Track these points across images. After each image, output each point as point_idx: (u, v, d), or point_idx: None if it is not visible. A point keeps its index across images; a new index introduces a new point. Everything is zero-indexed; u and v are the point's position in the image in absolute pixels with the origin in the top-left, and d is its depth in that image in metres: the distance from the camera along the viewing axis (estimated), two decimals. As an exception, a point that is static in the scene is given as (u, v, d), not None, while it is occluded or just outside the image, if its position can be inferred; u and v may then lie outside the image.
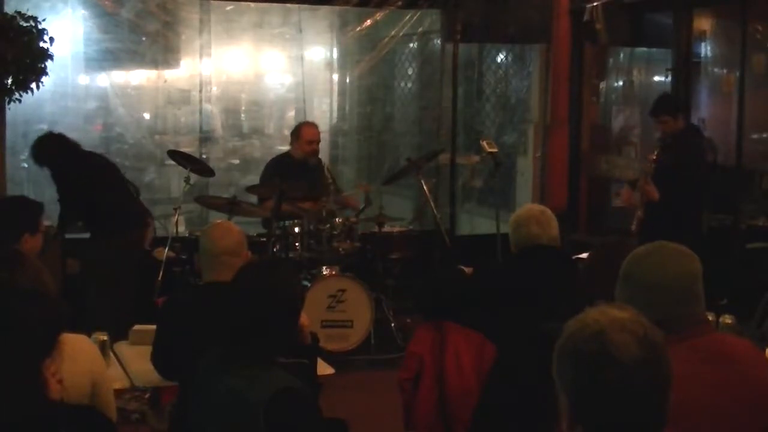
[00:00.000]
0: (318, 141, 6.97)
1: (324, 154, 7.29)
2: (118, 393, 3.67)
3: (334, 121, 9.23)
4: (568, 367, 1.75)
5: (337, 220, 6.55)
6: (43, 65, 6.17)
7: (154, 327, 3.67)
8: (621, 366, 1.70)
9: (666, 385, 1.75)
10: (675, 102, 6.37)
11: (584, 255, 5.07)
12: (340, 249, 6.52)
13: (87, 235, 6.02)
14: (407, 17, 8.19)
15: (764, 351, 3.13)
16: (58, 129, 7.46)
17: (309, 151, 6.88)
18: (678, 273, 2.41)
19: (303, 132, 6.95)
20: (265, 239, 6.40)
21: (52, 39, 6.22)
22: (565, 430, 1.77)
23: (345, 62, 9.18)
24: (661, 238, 2.53)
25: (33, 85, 6.15)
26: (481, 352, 3.81)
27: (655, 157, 6.03)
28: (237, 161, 8.65)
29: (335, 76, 9.25)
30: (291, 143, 7.05)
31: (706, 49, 8.39)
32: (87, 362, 2.80)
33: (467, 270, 4.09)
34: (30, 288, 2.48)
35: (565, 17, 8.09)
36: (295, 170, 6.77)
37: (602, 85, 8.67)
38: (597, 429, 1.74)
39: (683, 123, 6.24)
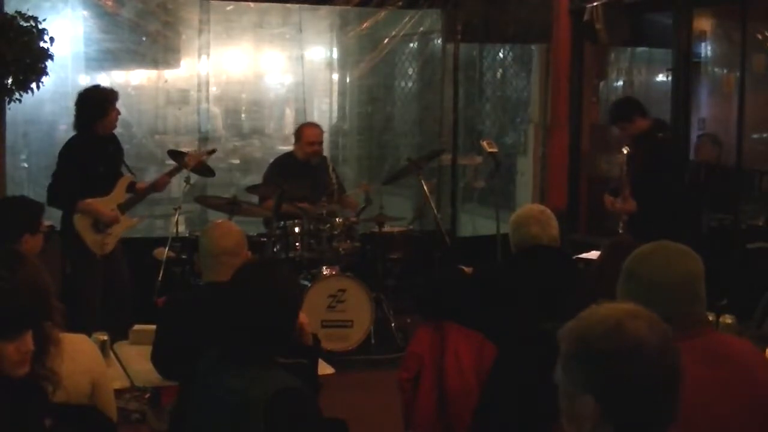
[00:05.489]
0: (320, 142, 6.99)
1: (324, 154, 7.29)
2: (118, 393, 3.67)
3: (334, 121, 9.22)
4: (591, 368, 1.73)
5: (337, 220, 6.55)
6: (43, 65, 6.16)
7: (154, 327, 3.67)
8: (646, 354, 1.71)
9: (680, 375, 1.77)
10: (627, 106, 6.25)
11: (584, 255, 5.09)
12: (340, 249, 6.52)
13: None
14: (407, 17, 8.19)
15: (764, 351, 3.14)
16: (58, 129, 7.51)
17: (310, 152, 6.90)
18: (681, 272, 2.41)
19: (304, 133, 6.96)
20: (265, 239, 6.40)
21: (52, 39, 6.21)
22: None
23: (345, 62, 9.17)
24: (651, 238, 2.53)
25: (33, 85, 6.13)
26: (481, 352, 3.82)
27: (625, 155, 5.90)
28: (237, 161, 8.65)
29: (335, 76, 9.25)
30: (294, 144, 7.06)
31: (706, 49, 8.38)
32: (87, 362, 2.80)
33: (467, 270, 4.09)
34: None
35: (565, 17, 8.08)
36: (298, 170, 6.78)
37: (602, 85, 8.66)
38: (627, 425, 1.72)
39: (645, 123, 6.04)
